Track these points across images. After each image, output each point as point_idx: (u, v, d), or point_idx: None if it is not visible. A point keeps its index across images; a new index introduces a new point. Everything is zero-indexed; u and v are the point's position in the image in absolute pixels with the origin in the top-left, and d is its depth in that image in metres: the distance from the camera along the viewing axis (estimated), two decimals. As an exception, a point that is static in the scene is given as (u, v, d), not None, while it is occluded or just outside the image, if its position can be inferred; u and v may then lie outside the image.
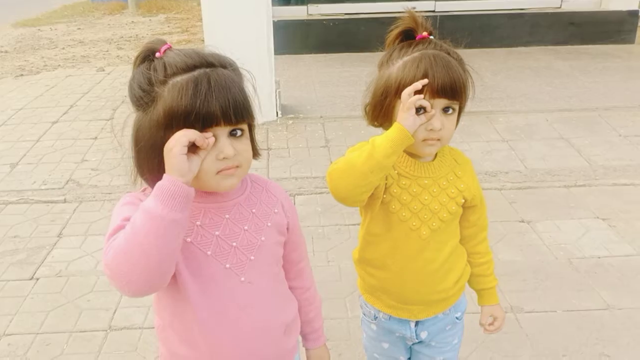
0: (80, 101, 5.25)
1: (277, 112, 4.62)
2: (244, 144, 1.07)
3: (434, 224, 1.36)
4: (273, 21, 4.57)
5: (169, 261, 0.98)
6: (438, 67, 1.22)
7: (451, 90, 1.23)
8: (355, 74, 5.58)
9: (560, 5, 7.07)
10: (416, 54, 1.25)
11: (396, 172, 1.34)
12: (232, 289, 1.13)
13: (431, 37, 1.29)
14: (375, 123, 1.36)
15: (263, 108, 4.30)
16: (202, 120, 1.00)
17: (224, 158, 1.03)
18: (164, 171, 0.99)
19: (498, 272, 1.55)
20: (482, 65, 5.72)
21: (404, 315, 1.45)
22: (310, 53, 6.57)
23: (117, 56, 7.16)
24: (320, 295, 1.38)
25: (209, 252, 1.11)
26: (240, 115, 1.03)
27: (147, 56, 1.06)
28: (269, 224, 1.17)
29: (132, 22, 9.97)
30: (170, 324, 1.17)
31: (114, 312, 2.46)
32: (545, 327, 2.33)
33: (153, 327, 2.03)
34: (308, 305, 1.33)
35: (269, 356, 1.20)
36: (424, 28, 1.29)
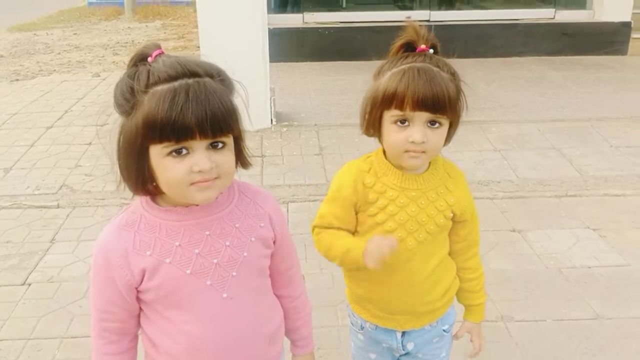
0: (75, 106, 5.25)
1: (271, 120, 4.63)
2: (225, 156, 1.05)
3: (420, 235, 1.35)
4: (269, 29, 4.60)
5: None
6: (421, 80, 1.22)
7: (433, 104, 1.22)
8: (350, 82, 5.60)
9: (554, 16, 7.14)
10: (404, 67, 1.25)
11: (385, 186, 1.34)
12: (213, 306, 1.12)
13: (431, 50, 1.28)
14: (368, 132, 1.35)
15: (258, 115, 4.37)
16: (177, 133, 0.98)
17: (199, 171, 1.01)
18: (142, 178, 1.02)
19: (489, 281, 1.55)
20: (475, 75, 5.78)
21: (390, 325, 1.44)
22: (306, 61, 6.59)
23: (113, 62, 7.16)
24: (312, 304, 1.37)
25: (188, 271, 1.09)
26: (218, 128, 1.01)
27: (140, 60, 1.05)
28: (253, 239, 1.15)
29: (129, 27, 9.98)
30: (152, 342, 1.16)
31: (106, 318, 2.46)
32: (535, 336, 2.34)
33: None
34: (296, 313, 1.32)
35: None
36: (424, 40, 1.28)
